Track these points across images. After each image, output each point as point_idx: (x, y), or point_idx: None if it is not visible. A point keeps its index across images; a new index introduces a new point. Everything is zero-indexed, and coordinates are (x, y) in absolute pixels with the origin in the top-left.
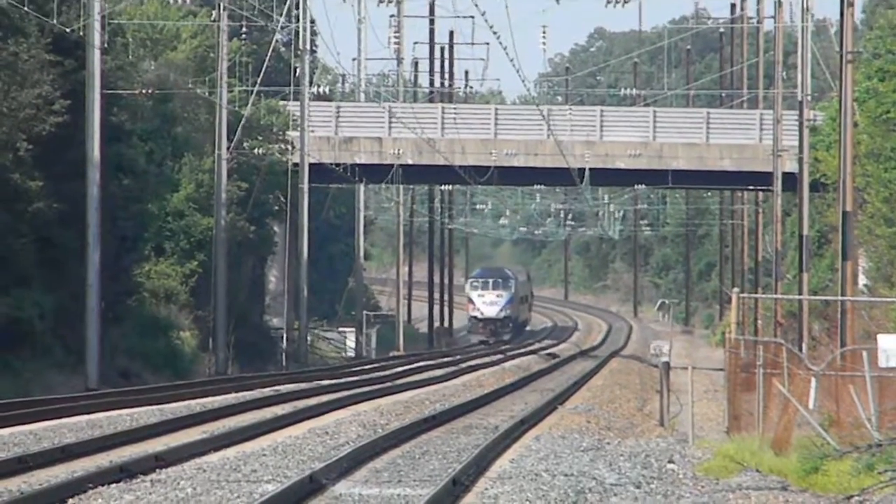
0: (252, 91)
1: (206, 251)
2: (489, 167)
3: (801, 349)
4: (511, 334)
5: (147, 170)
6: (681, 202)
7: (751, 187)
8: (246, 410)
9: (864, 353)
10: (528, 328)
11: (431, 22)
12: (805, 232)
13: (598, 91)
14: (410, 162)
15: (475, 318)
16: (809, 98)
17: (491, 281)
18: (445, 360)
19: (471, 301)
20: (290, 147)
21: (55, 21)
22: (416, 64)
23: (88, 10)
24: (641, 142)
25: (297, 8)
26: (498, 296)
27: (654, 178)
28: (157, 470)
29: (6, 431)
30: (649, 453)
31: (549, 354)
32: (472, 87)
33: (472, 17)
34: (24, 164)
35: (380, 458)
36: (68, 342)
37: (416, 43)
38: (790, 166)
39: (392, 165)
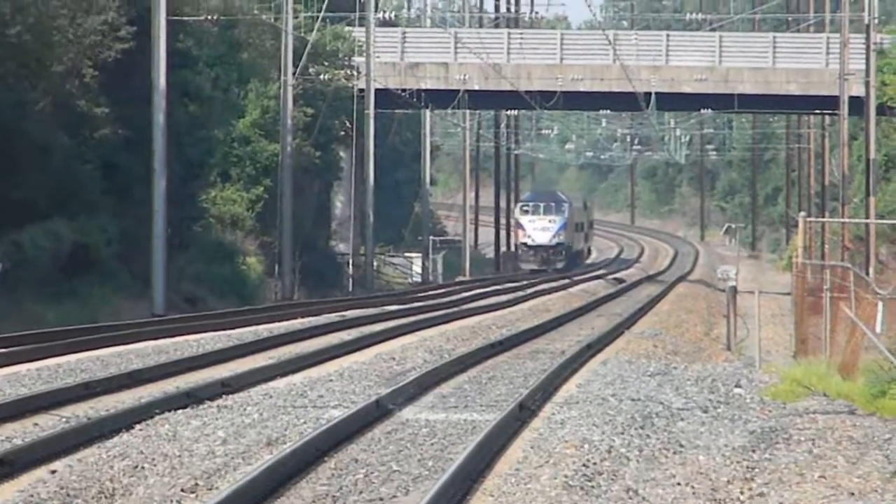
0: (317, 17)
1: (271, 177)
2: (555, 92)
3: (867, 273)
4: (564, 263)
5: (213, 96)
6: (747, 126)
7: (817, 111)
8: (312, 336)
9: None
10: (588, 261)
11: None
12: (872, 156)
13: (664, 16)
14: (476, 87)
15: (525, 245)
16: (876, 21)
17: (542, 205)
18: (512, 285)
19: (520, 227)
20: (355, 73)
21: None
22: None
23: None
24: (707, 66)
25: None
26: (550, 221)
27: (720, 102)
28: (224, 396)
29: (73, 357)
30: (716, 378)
31: (615, 279)
32: (537, 13)
33: None
34: (90, 91)
35: (446, 383)
36: (134, 268)
37: None
38: (857, 90)
39: (458, 91)
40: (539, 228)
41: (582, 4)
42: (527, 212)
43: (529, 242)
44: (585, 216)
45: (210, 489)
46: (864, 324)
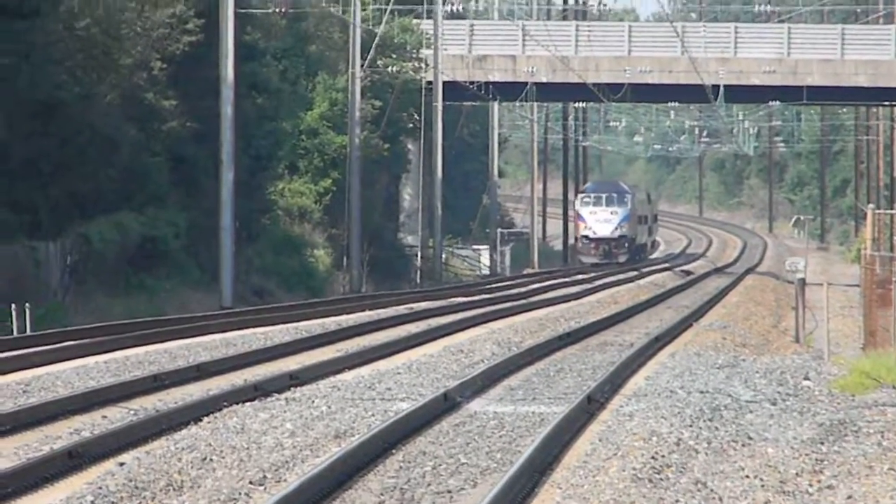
0: (385, 9)
1: (339, 169)
2: (623, 84)
3: None
4: (627, 257)
5: (281, 88)
6: (815, 118)
7: (886, 103)
8: (380, 328)
9: None
10: (655, 254)
11: None
12: None
13: (733, 7)
14: (544, 80)
15: (586, 237)
16: None
17: (604, 196)
18: (580, 277)
19: (580, 218)
20: (423, 65)
21: None
22: None
23: None
24: (776, 58)
25: None
26: (612, 213)
27: (788, 94)
28: (292, 388)
29: (141, 350)
30: (785, 370)
31: (683, 271)
32: (605, 5)
33: None
34: (158, 83)
35: (514, 375)
36: (202, 261)
37: None
38: None
39: (526, 83)
40: (601, 220)
41: None
42: (587, 203)
43: (590, 234)
44: (649, 209)
45: (278, 482)
46: None
